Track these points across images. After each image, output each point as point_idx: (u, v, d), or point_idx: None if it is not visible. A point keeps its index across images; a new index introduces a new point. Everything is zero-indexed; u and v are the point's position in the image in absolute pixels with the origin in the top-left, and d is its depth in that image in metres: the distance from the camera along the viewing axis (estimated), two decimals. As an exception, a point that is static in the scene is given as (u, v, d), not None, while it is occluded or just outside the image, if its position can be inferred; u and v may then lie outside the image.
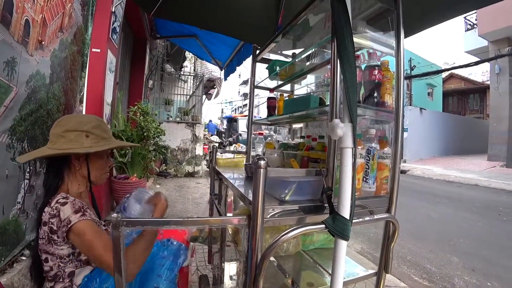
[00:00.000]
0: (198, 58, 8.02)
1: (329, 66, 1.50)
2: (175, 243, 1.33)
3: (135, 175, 3.59)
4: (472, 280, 2.47)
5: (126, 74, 5.33)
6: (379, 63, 1.14)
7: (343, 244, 0.76)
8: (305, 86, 1.96)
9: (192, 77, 8.57)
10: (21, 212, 1.56)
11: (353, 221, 0.77)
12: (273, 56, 2.05)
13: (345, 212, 0.75)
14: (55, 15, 1.79)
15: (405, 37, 1.10)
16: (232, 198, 1.81)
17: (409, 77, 13.61)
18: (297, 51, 1.99)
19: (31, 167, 1.64)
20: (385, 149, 1.06)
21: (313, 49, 1.47)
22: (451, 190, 6.99)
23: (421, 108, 13.75)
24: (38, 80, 1.65)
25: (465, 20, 13.18)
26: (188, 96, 8.39)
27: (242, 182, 1.21)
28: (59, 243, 0.87)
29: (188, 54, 8.44)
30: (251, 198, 0.80)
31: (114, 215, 0.66)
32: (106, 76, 2.74)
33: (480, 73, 25.55)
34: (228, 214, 1.50)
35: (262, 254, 0.76)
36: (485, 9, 10.16)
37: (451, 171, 9.46)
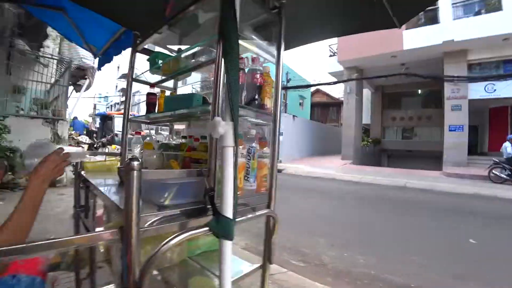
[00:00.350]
0: (65, 39, 6.51)
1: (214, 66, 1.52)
2: (24, 279, 1.00)
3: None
4: (332, 253, 3.05)
5: None
6: (261, 68, 1.21)
7: (228, 245, 0.75)
8: (190, 85, 1.90)
9: (56, 61, 6.82)
10: None
11: (236, 219, 0.77)
12: (158, 49, 1.89)
13: (228, 212, 0.74)
14: None
15: (285, 49, 1.21)
16: (103, 209, 1.54)
17: (285, 88, 15.81)
18: (183, 47, 1.91)
19: None
20: (264, 149, 1.13)
21: (200, 47, 1.44)
22: (316, 183, 8.49)
23: (293, 116, 16.10)
24: None
25: (329, 48, 16.38)
26: (48, 85, 6.71)
27: (115, 189, 1.04)
28: None
29: (52, 32, 6.66)
30: (122, 206, 0.68)
31: None
32: None
33: (337, 91, 32.78)
34: (98, 229, 1.25)
35: (140, 271, 0.66)
36: (343, 42, 13.38)
37: (315, 168, 11.44)
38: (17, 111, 5.69)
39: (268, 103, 1.19)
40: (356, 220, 4.60)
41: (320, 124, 22.36)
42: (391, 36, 11.43)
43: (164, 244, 0.68)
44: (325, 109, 28.28)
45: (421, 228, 4.15)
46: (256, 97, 1.14)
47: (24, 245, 0.58)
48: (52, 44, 6.97)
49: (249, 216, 0.95)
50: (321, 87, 27.74)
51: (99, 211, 1.43)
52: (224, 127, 0.69)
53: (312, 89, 26.34)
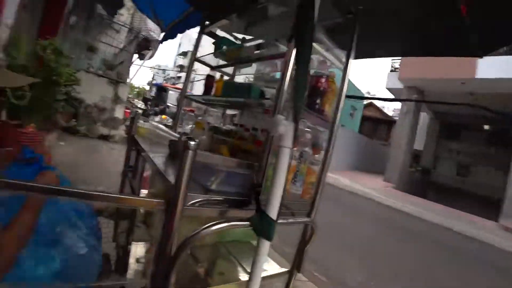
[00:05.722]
0: (138, 11, 7.02)
1: (277, 61, 1.51)
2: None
3: (32, 124, 2.95)
4: (358, 278, 2.89)
5: (41, -1, 4.30)
6: (327, 73, 1.17)
7: (266, 244, 0.75)
8: (246, 78, 1.91)
9: (126, 29, 7.45)
10: None
11: (278, 221, 0.76)
12: (222, 34, 1.93)
13: (273, 213, 0.73)
14: None
15: (354, 58, 1.15)
16: (149, 173, 1.63)
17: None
18: (248, 37, 1.92)
19: None
20: (316, 155, 1.10)
21: (266, 39, 1.44)
22: (353, 200, 8.03)
23: (342, 125, 15.43)
24: None
25: (392, 62, 15.38)
26: (117, 50, 7.32)
27: (163, 160, 1.09)
28: None
29: (128, 2, 7.26)
30: (172, 181, 0.70)
31: None
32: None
33: (392, 109, 30.64)
34: (143, 191, 1.33)
35: (178, 247, 0.69)
36: (408, 58, 12.06)
37: (354, 184, 10.82)
38: (87, 67, 6.26)
39: (328, 109, 1.15)
40: (389, 250, 4.20)
41: (368, 139, 21.18)
42: (463, 61, 10.07)
43: (205, 228, 0.70)
44: (375, 125, 26.69)
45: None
46: (318, 101, 1.11)
47: (80, 190, 0.63)
48: (126, 13, 7.53)
49: (290, 220, 0.94)
50: (375, 102, 26.32)
51: (146, 173, 1.49)
52: (285, 127, 0.68)
53: (365, 102, 25.10)
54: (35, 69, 2.93)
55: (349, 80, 1.12)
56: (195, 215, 0.79)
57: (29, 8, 3.40)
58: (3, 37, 2.33)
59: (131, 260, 1.32)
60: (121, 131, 6.45)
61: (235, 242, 1.29)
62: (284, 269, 1.15)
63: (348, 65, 1.13)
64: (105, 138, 6.15)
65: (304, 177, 1.07)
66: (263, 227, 0.72)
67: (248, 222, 0.73)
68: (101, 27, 6.90)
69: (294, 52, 0.85)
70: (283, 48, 1.33)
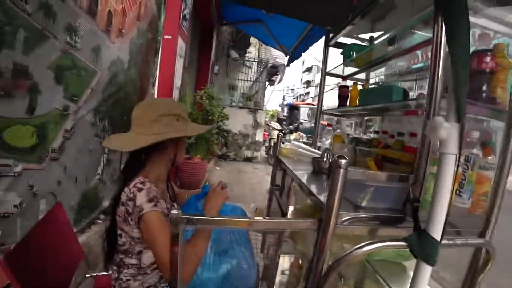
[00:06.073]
0: (262, 44, 7.95)
1: (418, 52, 1.30)
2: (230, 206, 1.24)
3: (198, 156, 3.77)
4: None
5: (194, 59, 5.57)
6: (491, 47, 0.91)
7: (427, 269, 0.63)
8: (376, 76, 1.74)
9: (256, 63, 8.57)
10: (100, 182, 1.77)
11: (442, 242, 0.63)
12: (345, 40, 1.86)
13: (436, 233, 0.61)
14: (133, 5, 1.90)
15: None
16: (293, 190, 1.73)
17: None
18: (375, 34, 1.77)
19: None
20: (488, 157, 0.85)
21: (400, 31, 1.27)
22: None
23: None
24: (118, 65, 1.79)
25: None
26: (251, 82, 8.46)
27: (307, 177, 1.12)
28: (132, 226, 0.91)
29: (253, 40, 8.39)
30: (322, 199, 0.71)
31: (175, 211, 0.62)
32: (176, 61, 2.87)
33: None
34: (290, 207, 1.42)
35: (329, 265, 0.68)
36: None
37: None
38: (230, 103, 7.55)
39: (501, 94, 0.88)
40: None
41: None
42: None
43: (358, 248, 0.66)
44: None
45: None
46: (484, 88, 0.87)
47: (243, 219, 0.75)
48: (253, 49, 8.80)
49: (458, 242, 0.76)
50: None
51: (292, 189, 1.59)
52: (447, 130, 0.56)
53: None
54: (197, 113, 3.76)
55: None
56: (346, 234, 0.76)
57: (189, 69, 4.44)
58: (177, 96, 3.12)
59: (278, 272, 1.40)
60: (262, 152, 7.27)
61: (383, 261, 1.14)
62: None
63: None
64: (249, 160, 7.12)
65: (473, 186, 0.84)
66: (423, 248, 0.61)
67: (405, 243, 0.63)
68: (236, 67, 8.26)
69: (443, 31, 0.70)
70: (422, 35, 1.14)
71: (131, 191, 0.90)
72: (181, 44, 2.98)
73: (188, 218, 0.64)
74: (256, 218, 0.73)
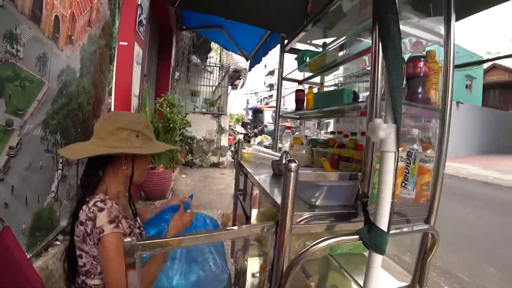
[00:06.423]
0: (224, 49, 7.96)
1: (365, 57, 1.40)
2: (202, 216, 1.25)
3: (161, 165, 3.66)
4: None
5: (153, 66, 5.41)
6: (424, 53, 1.02)
7: (378, 258, 0.68)
8: (335, 78, 1.84)
9: (218, 68, 8.54)
10: (55, 200, 1.64)
11: (390, 232, 0.69)
12: (301, 46, 1.94)
13: (383, 224, 0.67)
14: (83, 10, 1.80)
15: (457, 20, 0.96)
16: (257, 193, 1.77)
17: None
18: (328, 40, 1.87)
19: (63, 158, 1.69)
20: (427, 151, 0.95)
21: (348, 38, 1.36)
22: (489, 192, 6.37)
23: (458, 102, 12.61)
24: (69, 74, 1.68)
25: None
26: (214, 87, 8.41)
27: (268, 180, 1.15)
28: (91, 246, 0.86)
29: (214, 45, 8.37)
30: (278, 201, 0.73)
31: (128, 239, 0.60)
32: (134, 68, 2.77)
33: None
34: (253, 210, 1.44)
35: (289, 264, 0.71)
36: None
37: (489, 171, 8.64)
38: (193, 109, 7.43)
39: (434, 95, 0.98)
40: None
41: (498, 112, 16.41)
42: None
43: (314, 245, 0.69)
44: (506, 91, 20.41)
45: None
46: (420, 90, 0.96)
47: (200, 235, 0.77)
48: (214, 54, 8.80)
49: (405, 230, 0.83)
50: (500, 62, 19.90)
51: (255, 192, 1.62)
52: (385, 131, 0.61)
53: (486, 65, 19.59)
54: (157, 121, 3.65)
55: (455, 48, 0.93)
56: (303, 232, 0.80)
57: (148, 77, 4.30)
58: (135, 104, 3.00)
59: (248, 275, 1.42)
60: (228, 157, 7.26)
61: (346, 254, 1.21)
62: (403, 284, 1.00)
63: (450, 33, 0.94)
64: (216, 165, 7.07)
65: (415, 178, 0.93)
66: (373, 239, 0.66)
67: (357, 236, 0.68)
68: (198, 73, 8.15)
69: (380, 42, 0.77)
70: (367, 42, 1.24)
71: (91, 210, 0.86)
72: (138, 51, 2.88)
73: (144, 244, 0.63)
74: (214, 231, 0.75)
